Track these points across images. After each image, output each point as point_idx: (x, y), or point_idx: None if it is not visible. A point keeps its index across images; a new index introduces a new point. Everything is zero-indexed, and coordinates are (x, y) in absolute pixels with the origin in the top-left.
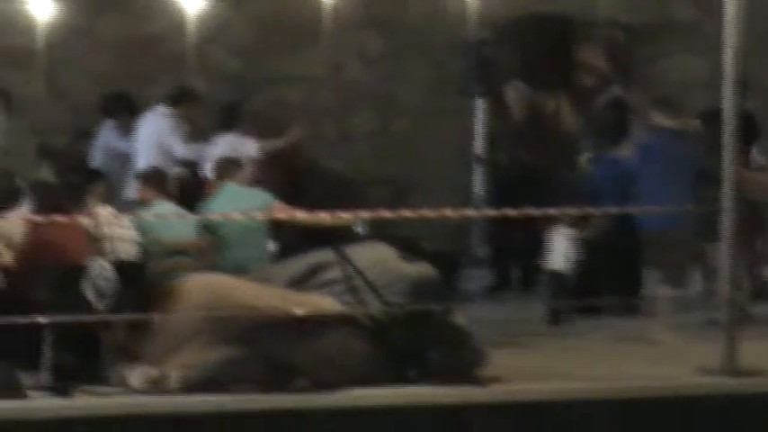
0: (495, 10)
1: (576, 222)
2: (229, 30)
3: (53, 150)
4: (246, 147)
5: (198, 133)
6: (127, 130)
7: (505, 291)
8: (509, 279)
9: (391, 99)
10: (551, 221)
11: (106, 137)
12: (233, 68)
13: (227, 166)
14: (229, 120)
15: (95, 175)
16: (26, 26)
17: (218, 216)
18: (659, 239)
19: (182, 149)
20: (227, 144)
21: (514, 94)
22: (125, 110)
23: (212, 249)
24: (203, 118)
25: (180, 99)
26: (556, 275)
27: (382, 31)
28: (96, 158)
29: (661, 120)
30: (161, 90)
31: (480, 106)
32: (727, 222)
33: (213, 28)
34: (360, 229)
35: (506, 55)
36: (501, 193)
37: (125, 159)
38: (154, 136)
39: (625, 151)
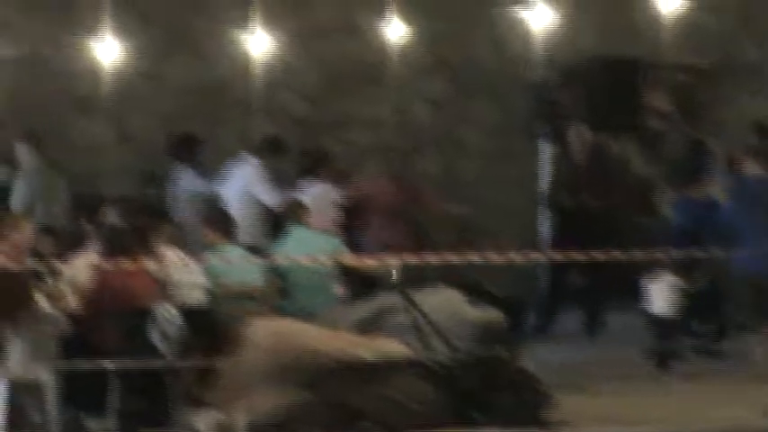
0: (560, 52)
1: (677, 268)
2: (295, 73)
3: (115, 195)
4: (333, 193)
5: (284, 179)
6: (205, 173)
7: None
8: (554, 321)
9: (456, 141)
10: (645, 266)
11: (188, 182)
12: (299, 111)
13: (296, 209)
14: (314, 166)
15: (162, 219)
16: (92, 70)
17: (286, 260)
18: (755, 284)
19: (271, 197)
20: (317, 191)
21: (576, 137)
22: (198, 154)
23: (279, 292)
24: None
25: (269, 149)
26: (658, 320)
27: (447, 74)
28: (180, 204)
29: (752, 166)
30: (228, 134)
31: (545, 148)
32: None
33: (279, 71)
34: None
35: (571, 97)
36: (567, 236)
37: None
38: (243, 185)
39: (703, 194)
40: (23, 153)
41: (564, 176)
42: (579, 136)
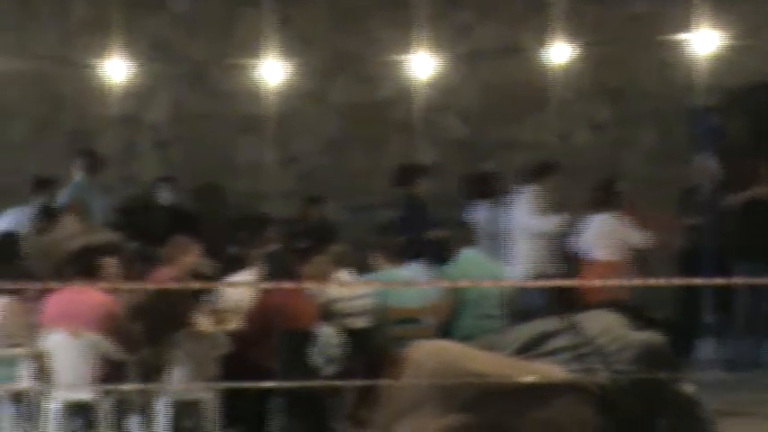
0: (725, 77)
1: None
2: (458, 96)
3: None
4: (626, 230)
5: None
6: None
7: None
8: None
9: (616, 166)
10: None
11: (484, 217)
12: (461, 135)
13: (467, 235)
14: (605, 198)
15: (328, 240)
16: (255, 92)
17: (450, 283)
18: None
19: (538, 224)
20: (605, 225)
21: (699, 165)
22: (495, 189)
23: (451, 311)
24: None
25: (541, 173)
26: None
27: (610, 99)
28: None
29: None
30: (388, 156)
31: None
32: None
33: (442, 94)
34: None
35: (736, 123)
36: (726, 261)
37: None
38: (518, 214)
39: None
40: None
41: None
42: (701, 165)
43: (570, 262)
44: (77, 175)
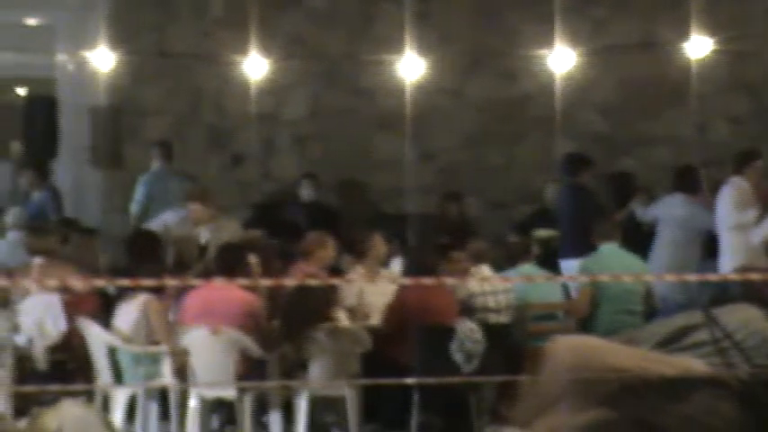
0: None
1: None
2: (597, 91)
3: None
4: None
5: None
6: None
7: None
8: None
9: None
10: None
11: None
12: (600, 130)
13: (609, 228)
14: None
15: (469, 235)
16: (395, 88)
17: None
18: None
19: (741, 217)
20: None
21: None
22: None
23: (591, 306)
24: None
25: (742, 162)
26: None
27: (748, 92)
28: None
29: None
30: (526, 152)
31: None
32: None
33: (581, 89)
34: None
35: None
36: None
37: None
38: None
39: None
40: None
41: None
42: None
43: None
44: (155, 164)
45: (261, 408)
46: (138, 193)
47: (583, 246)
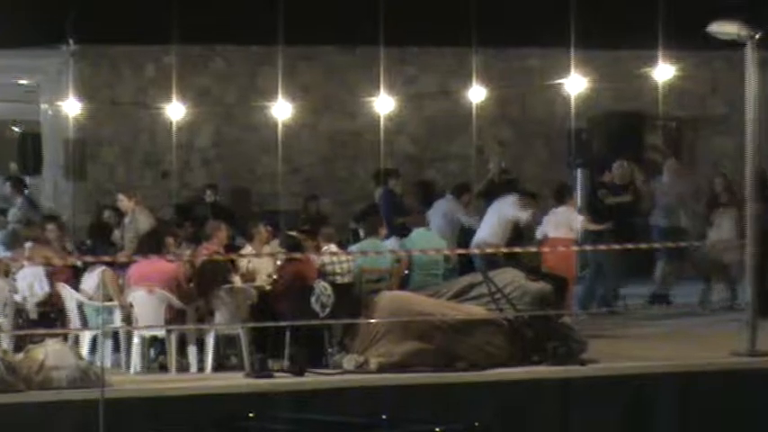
0: (588, 107)
1: None
2: (409, 124)
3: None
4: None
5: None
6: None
7: None
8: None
9: None
10: None
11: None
12: (411, 151)
13: (419, 218)
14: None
15: (322, 224)
16: (271, 124)
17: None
18: None
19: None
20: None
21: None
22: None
23: (402, 272)
24: None
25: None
26: None
27: (511, 124)
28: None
29: None
30: (361, 167)
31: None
32: None
33: (396, 123)
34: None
35: (598, 139)
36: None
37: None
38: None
39: None
40: None
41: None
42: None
43: None
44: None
45: (182, 343)
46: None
47: (396, 231)
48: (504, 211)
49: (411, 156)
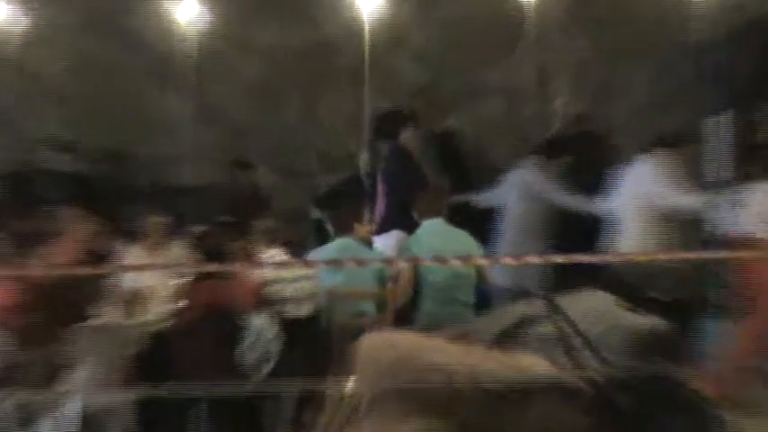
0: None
1: None
2: (413, 34)
3: None
4: None
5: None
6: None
7: None
8: None
9: None
10: None
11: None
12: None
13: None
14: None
15: (257, 213)
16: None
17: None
18: None
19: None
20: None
21: None
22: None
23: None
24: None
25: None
26: None
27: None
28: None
29: None
30: (329, 109)
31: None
32: None
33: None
34: None
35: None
36: None
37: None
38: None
39: None
40: None
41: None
42: None
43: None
44: None
45: (25, 416)
46: None
47: (402, 221)
48: (644, 189)
49: (417, 88)
